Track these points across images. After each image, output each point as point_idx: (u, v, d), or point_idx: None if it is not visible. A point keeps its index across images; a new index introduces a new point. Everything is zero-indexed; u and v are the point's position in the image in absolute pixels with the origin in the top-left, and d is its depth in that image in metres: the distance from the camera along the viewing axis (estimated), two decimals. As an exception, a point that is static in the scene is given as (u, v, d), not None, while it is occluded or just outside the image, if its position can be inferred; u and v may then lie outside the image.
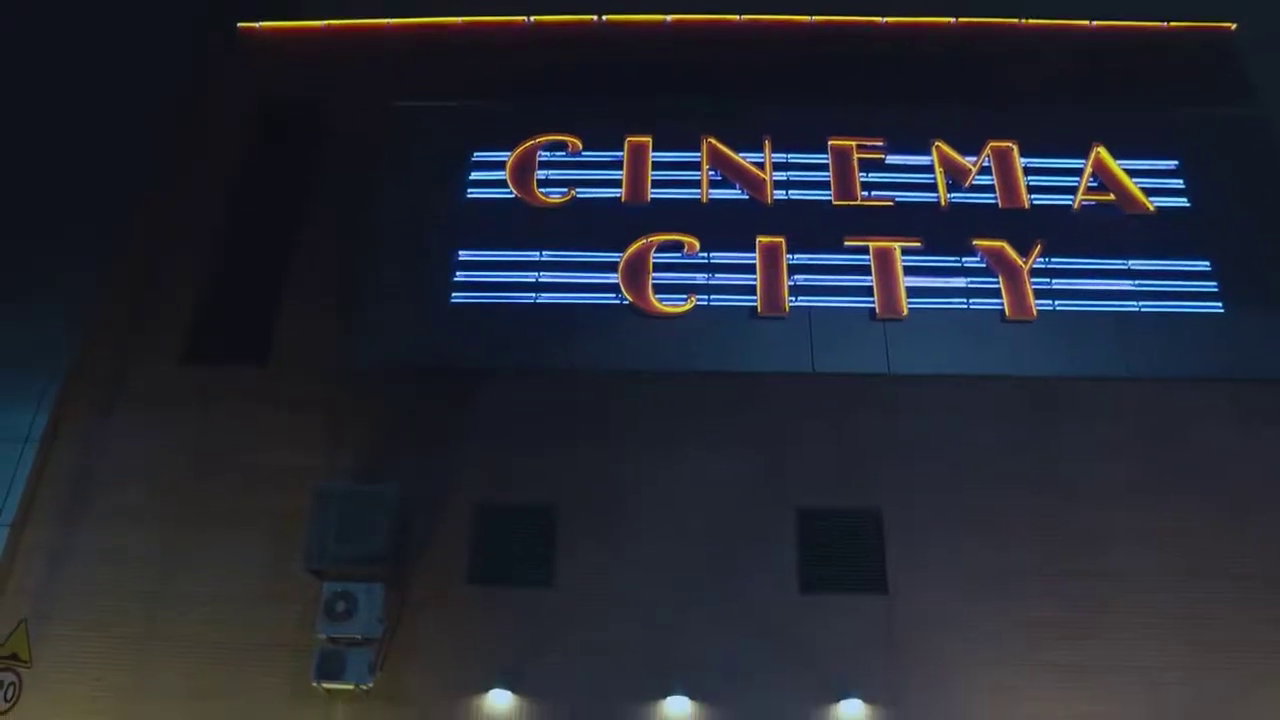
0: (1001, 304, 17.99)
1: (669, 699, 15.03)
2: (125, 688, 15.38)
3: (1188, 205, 19.22)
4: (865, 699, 15.01)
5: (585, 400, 17.14)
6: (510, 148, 19.57)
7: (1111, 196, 19.24)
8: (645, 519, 16.14)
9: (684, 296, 17.99)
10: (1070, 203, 19.18)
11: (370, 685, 14.98)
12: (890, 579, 15.78)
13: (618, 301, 18.01)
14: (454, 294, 18.19)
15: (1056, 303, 18.07)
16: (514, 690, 15.13)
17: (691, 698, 15.04)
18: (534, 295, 18.13)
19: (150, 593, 15.96)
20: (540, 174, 19.41)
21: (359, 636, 14.93)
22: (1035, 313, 17.87)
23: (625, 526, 16.11)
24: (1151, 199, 19.19)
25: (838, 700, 15.00)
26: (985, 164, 19.50)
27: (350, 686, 14.87)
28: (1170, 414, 17.00)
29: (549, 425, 16.93)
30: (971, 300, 18.09)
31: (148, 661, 15.49)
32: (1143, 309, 18.05)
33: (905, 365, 17.41)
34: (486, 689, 15.12)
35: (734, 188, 19.30)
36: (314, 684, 14.85)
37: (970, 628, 15.39)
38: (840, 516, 16.23)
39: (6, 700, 13.27)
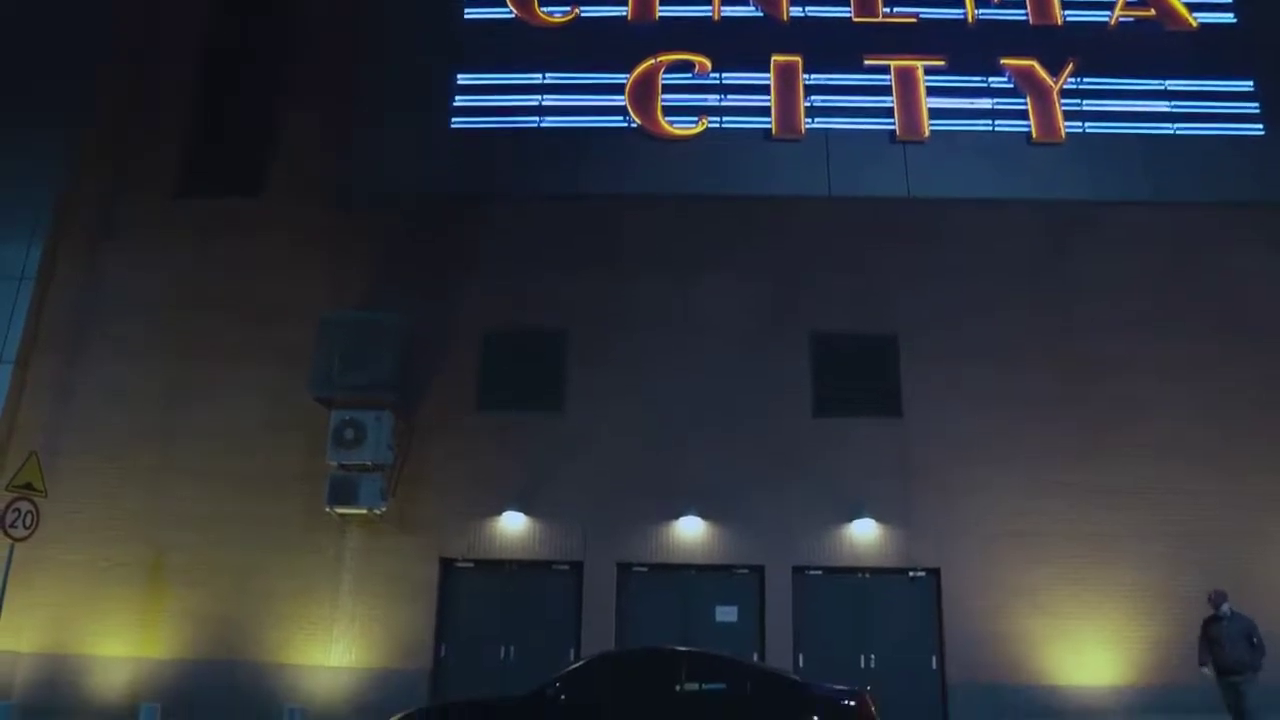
0: (1028, 126, 17.24)
1: (681, 519, 15.15)
2: (141, 515, 15.61)
3: (1233, 21, 18.16)
4: (877, 518, 15.13)
5: (594, 226, 16.67)
6: (509, -38, 18.52)
7: (1151, 12, 18.17)
8: (656, 344, 15.92)
9: (695, 119, 17.27)
10: (1107, 19, 18.14)
11: (383, 510, 15.12)
12: (904, 403, 15.67)
13: (625, 125, 17.29)
14: (454, 119, 17.49)
15: (1086, 125, 17.30)
16: (526, 513, 15.25)
17: (703, 518, 15.17)
18: (538, 119, 17.41)
19: (160, 425, 16.01)
20: (541, -11, 18.41)
21: (369, 463, 14.96)
22: (1063, 135, 17.13)
23: (636, 352, 15.89)
24: (1195, 14, 18.12)
25: (850, 520, 15.11)
26: (1016, -24, 18.39)
27: (363, 511, 15.01)
28: (1196, 241, 16.50)
29: (557, 251, 16.51)
30: (997, 122, 17.33)
31: (162, 490, 15.67)
32: (1177, 131, 17.27)
33: (925, 189, 16.80)
34: (499, 512, 15.25)
35: (747, 3, 18.27)
36: (327, 509, 15.00)
37: (983, 450, 15.36)
38: (855, 341, 15.97)
39: (26, 528, 13.42)
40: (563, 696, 9.59)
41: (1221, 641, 11.90)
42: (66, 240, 17.30)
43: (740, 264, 16.33)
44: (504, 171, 17.03)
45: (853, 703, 9.63)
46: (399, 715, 9.88)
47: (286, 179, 17.31)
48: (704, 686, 9.74)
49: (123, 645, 15.06)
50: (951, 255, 16.36)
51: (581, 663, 10.62)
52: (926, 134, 17.08)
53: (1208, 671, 11.99)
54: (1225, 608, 12.09)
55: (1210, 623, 12.12)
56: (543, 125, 17.39)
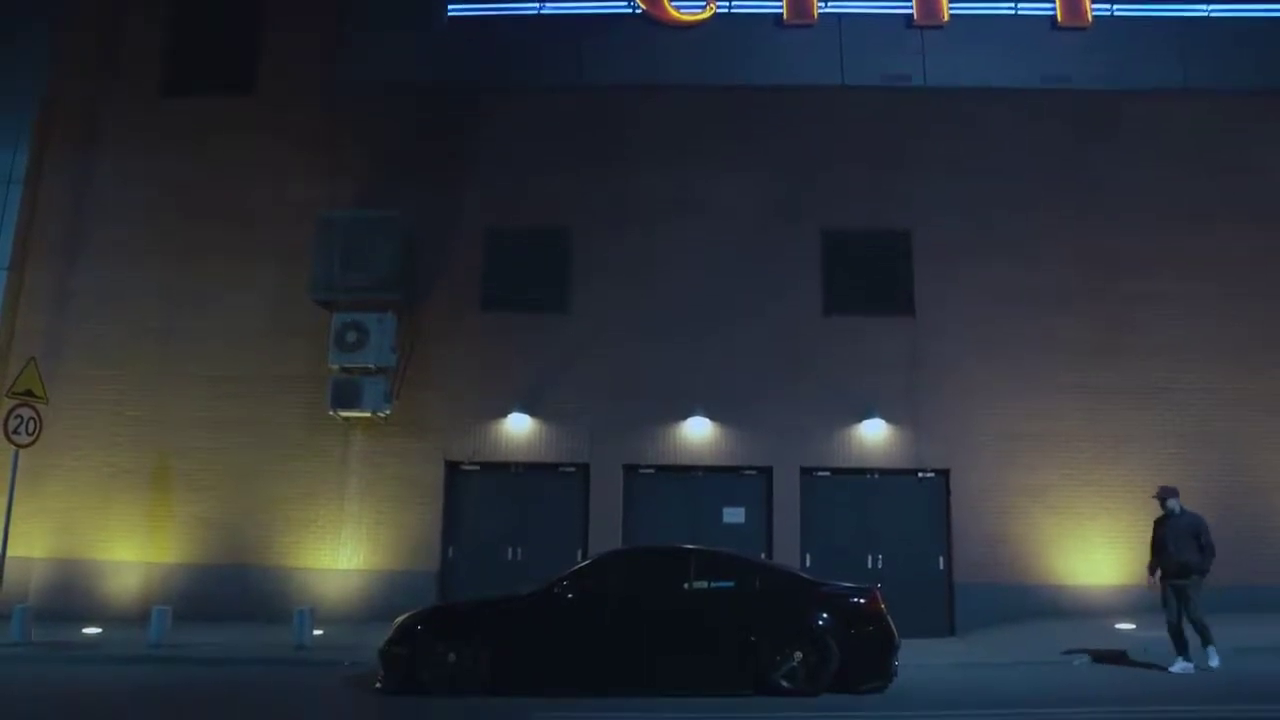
0: (1053, 9, 16.38)
1: (688, 420, 14.98)
2: (144, 419, 15.49)
3: (1272, -110, 17.12)
4: (887, 418, 14.92)
5: (598, 118, 16.08)
6: None
7: (1183, -117, 17.15)
8: (664, 240, 15.50)
9: (702, 3, 16.48)
10: (1136, -109, 17.11)
11: (387, 413, 14.97)
12: (917, 301, 15.32)
13: (630, 9, 16.52)
14: (450, 6, 16.71)
15: (1114, 8, 16.44)
16: (532, 414, 15.08)
17: (711, 419, 14.99)
18: (538, 5, 16.65)
19: (160, 330, 15.76)
20: None
21: (372, 366, 14.74)
22: (1090, 19, 16.29)
23: (643, 249, 15.50)
24: (1232, -116, 17.07)
25: (860, 420, 14.91)
26: None
27: (367, 415, 14.85)
28: (1227, 131, 15.83)
29: (561, 145, 15.96)
30: (1020, 4, 16.49)
31: (164, 395, 15.52)
32: (1212, 14, 16.40)
33: (943, 78, 16.10)
34: (505, 414, 15.09)
35: (757, -119, 17.28)
36: (330, 413, 14.83)
37: (997, 349, 15.05)
38: (867, 237, 15.54)
39: (29, 434, 13.30)
40: (570, 594, 9.49)
41: (1166, 542, 10.73)
42: (54, 143, 16.80)
43: (749, 158, 15.79)
44: (503, 62, 16.36)
45: (863, 600, 9.50)
46: (405, 615, 9.81)
47: (277, 76, 16.69)
48: (712, 584, 9.62)
49: (133, 550, 15.11)
50: (969, 148, 15.77)
51: (590, 560, 10.52)
52: (945, 18, 16.29)
53: (1156, 581, 10.77)
54: (1173, 504, 10.91)
55: (1159, 522, 11.02)
56: (543, 12, 16.65)
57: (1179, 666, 10.38)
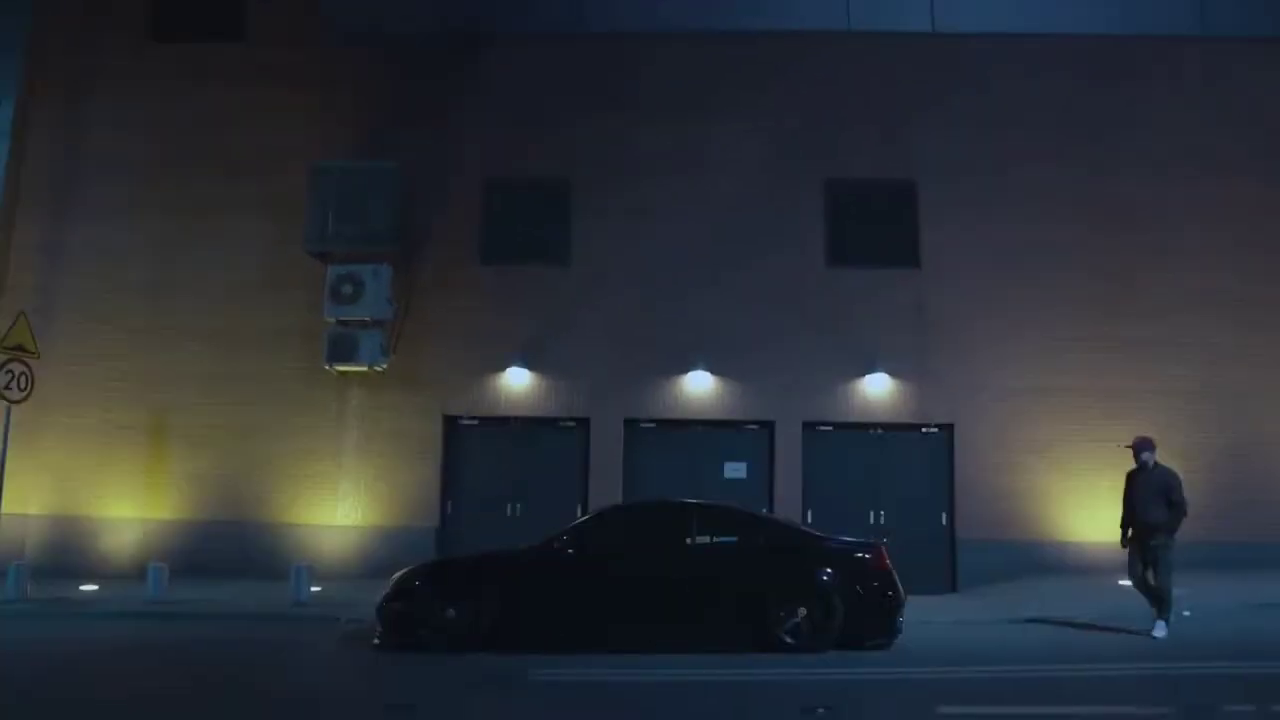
0: (1063, -48, 15.89)
1: (690, 374, 14.80)
2: (138, 374, 15.30)
3: None
4: (891, 373, 14.73)
5: (598, 66, 15.66)
6: None
7: None
8: (665, 191, 15.16)
9: (705, -52, 15.99)
10: None
11: (384, 367, 14.77)
12: (923, 252, 15.05)
13: (631, -45, 16.03)
14: (445, -52, 16.25)
15: (1127, -51, 15.96)
16: (531, 368, 14.89)
17: (713, 372, 14.80)
18: (536, -53, 16.19)
19: (152, 283, 15.49)
20: None
21: (368, 319, 14.51)
22: (1102, -38, 15.82)
23: (644, 199, 15.16)
24: None
25: (864, 374, 14.72)
26: None
27: (364, 369, 14.65)
28: (1242, 79, 15.43)
29: (560, 94, 15.57)
30: (1029, -51, 16.00)
31: (159, 351, 15.31)
32: (1227, -47, 15.93)
33: (951, 24, 15.64)
34: (503, 368, 14.89)
35: None
36: (326, 367, 14.62)
37: (1004, 302, 14.81)
38: (872, 187, 15.23)
39: (21, 390, 13.10)
40: (571, 549, 9.35)
41: (1134, 498, 10.10)
42: (40, 94, 16.38)
43: (753, 106, 15.42)
44: (504, 8, 15.88)
45: (868, 555, 9.37)
46: (403, 571, 9.67)
47: (270, 21, 16.22)
48: (715, 539, 9.48)
49: (130, 507, 14.99)
50: (977, 96, 15.39)
51: (591, 515, 10.37)
52: (954, -37, 15.82)
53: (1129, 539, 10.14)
54: (1146, 457, 10.13)
55: (1130, 476, 10.30)
56: (541, -47, 16.17)
57: (1161, 628, 9.79)
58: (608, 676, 8.12)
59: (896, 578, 9.27)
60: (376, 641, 9.32)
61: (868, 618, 9.08)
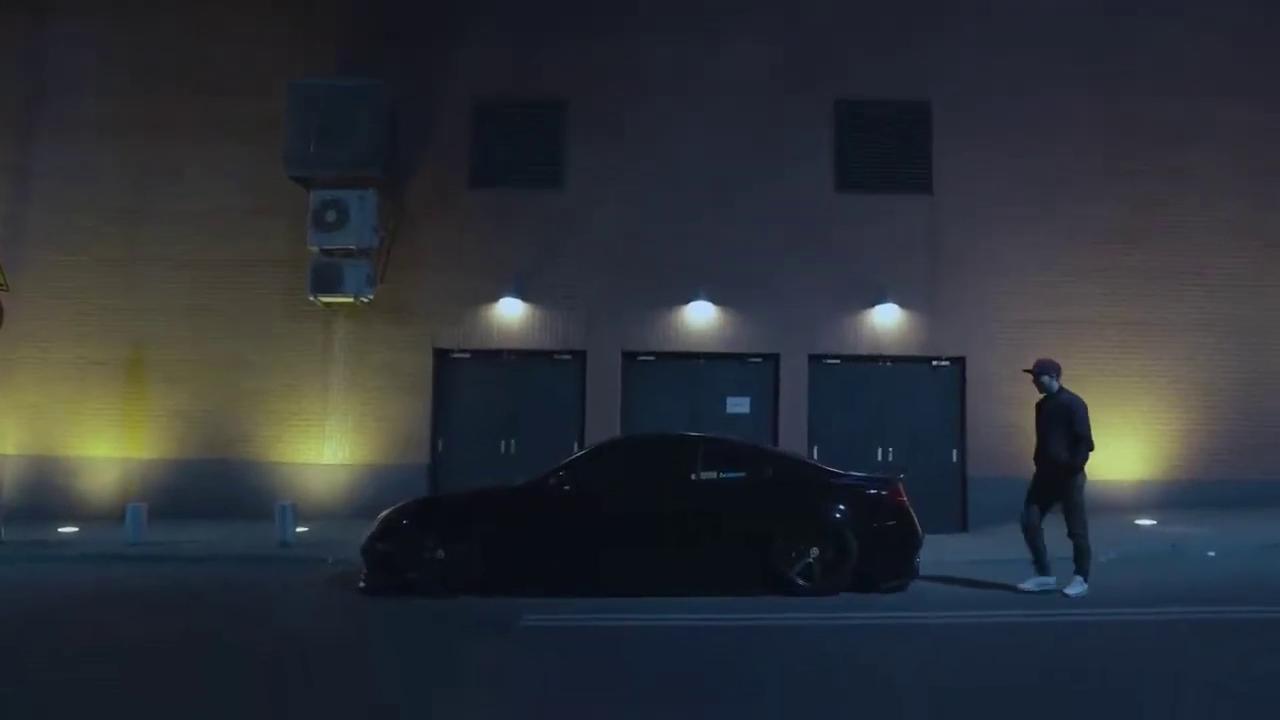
0: None
1: (691, 304, 14.21)
2: (115, 308, 14.67)
3: None
4: (901, 303, 14.17)
5: (595, -23, 14.78)
6: None
7: None
8: (666, 112, 14.37)
9: None
10: None
11: (371, 298, 14.14)
12: (935, 177, 14.36)
13: None
14: None
15: None
16: (525, 299, 14.28)
17: (715, 303, 14.21)
18: None
19: (127, 211, 14.76)
20: None
21: (354, 247, 13.83)
22: None
23: (644, 120, 14.38)
24: None
25: (872, 305, 14.16)
26: None
27: (350, 300, 14.02)
28: (1266, -1, 14.63)
29: (556, 7, 14.66)
30: None
31: (134, 282, 14.66)
32: None
33: (967, -67, 14.74)
34: (496, 298, 14.28)
35: None
36: (311, 298, 13.99)
37: (1019, 230, 14.19)
38: (884, 109, 14.49)
39: (-9, 325, 12.48)
40: (567, 486, 8.78)
41: (1036, 429, 8.92)
42: (3, 7, 15.38)
43: (759, 22, 14.56)
44: (493, -84, 14.96)
45: (884, 492, 8.83)
46: (390, 509, 9.13)
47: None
48: (722, 474, 8.91)
49: (109, 446, 14.47)
50: (994, 14, 14.57)
51: (589, 449, 9.81)
52: None
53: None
54: (1046, 381, 8.87)
55: (1037, 406, 9.07)
56: None
57: (1032, 583, 8.63)
58: (605, 622, 7.64)
59: (914, 515, 8.74)
60: (362, 585, 8.80)
61: (883, 558, 8.57)
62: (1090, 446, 8.59)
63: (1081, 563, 8.53)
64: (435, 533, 8.66)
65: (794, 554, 8.43)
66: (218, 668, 6.32)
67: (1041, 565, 8.73)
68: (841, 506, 8.63)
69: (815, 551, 8.43)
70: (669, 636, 7.15)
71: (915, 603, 8.21)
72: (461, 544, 8.54)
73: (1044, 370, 8.97)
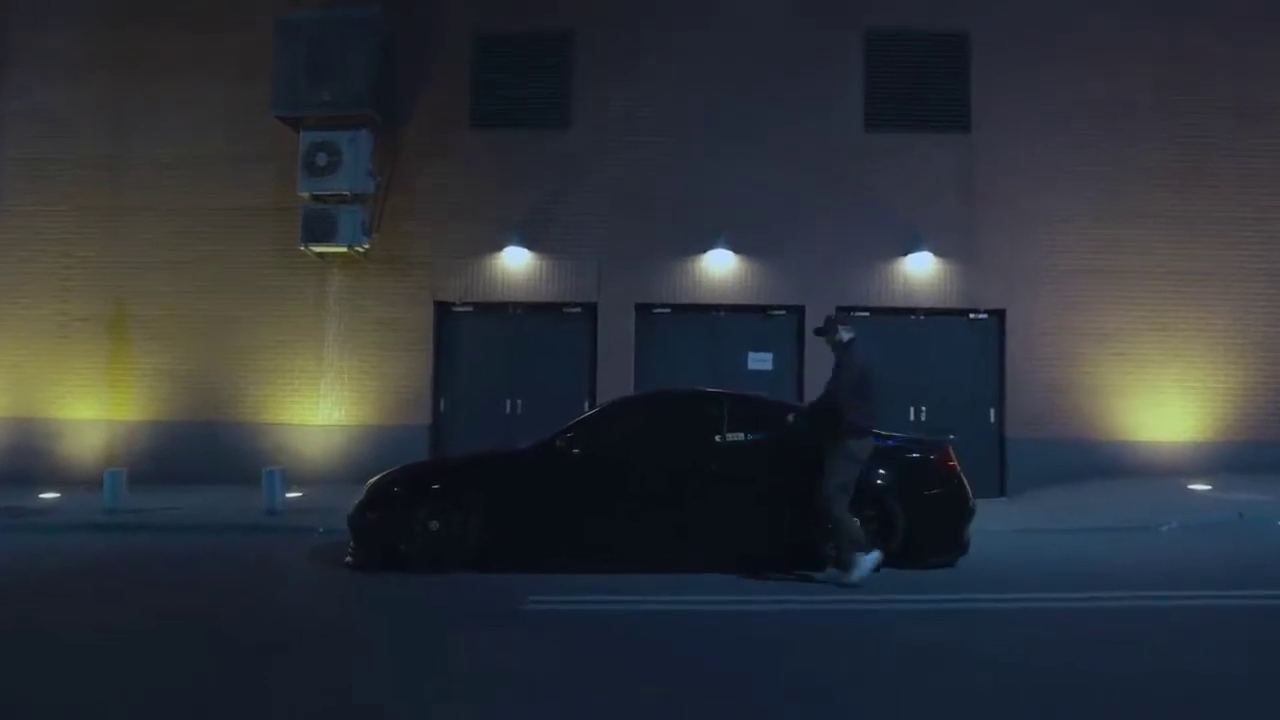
0: None
1: (709, 253, 13.28)
2: (97, 261, 13.87)
3: None
4: (936, 252, 13.20)
5: (604, -105, 13.70)
6: None
7: None
8: (681, 45, 13.38)
9: None
10: None
11: (367, 247, 13.28)
12: (974, 115, 13.32)
13: None
14: None
15: None
16: (531, 248, 13.38)
17: (735, 251, 13.28)
18: None
19: (107, 158, 13.92)
20: None
21: (347, 193, 12.95)
22: None
23: (658, 54, 13.39)
24: None
25: (905, 253, 13.20)
26: None
27: (344, 250, 13.15)
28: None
29: (563, -73, 13.66)
30: None
31: (117, 232, 13.85)
32: None
33: None
34: (500, 247, 13.38)
35: None
36: (303, 248, 13.13)
37: (1065, 172, 13.17)
38: (918, 40, 13.42)
39: (-34, 279, 11.74)
40: (576, 449, 7.86)
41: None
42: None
43: (781, -59, 13.49)
44: None
45: (932, 455, 7.90)
46: (379, 475, 8.26)
47: None
48: (749, 435, 7.95)
49: (92, 407, 13.76)
50: (1039, -65, 13.42)
51: (600, 408, 8.89)
52: None
53: None
54: (843, 334, 7.60)
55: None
56: None
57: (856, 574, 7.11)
58: (619, 605, 6.72)
59: (966, 482, 7.80)
60: (349, 559, 7.93)
61: (931, 529, 7.63)
62: (834, 405, 7.25)
63: (839, 542, 7.22)
64: (429, 501, 7.75)
65: (832, 525, 7.49)
66: (168, 658, 5.44)
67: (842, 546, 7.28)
68: (885, 471, 7.68)
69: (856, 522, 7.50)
70: (686, 624, 6.27)
71: (966, 581, 7.27)
72: (458, 514, 7.64)
73: (830, 329, 7.70)
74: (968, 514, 7.74)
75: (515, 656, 5.51)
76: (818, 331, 7.89)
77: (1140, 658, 5.29)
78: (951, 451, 7.90)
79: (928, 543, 7.60)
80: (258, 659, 5.44)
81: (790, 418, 7.82)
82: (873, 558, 7.14)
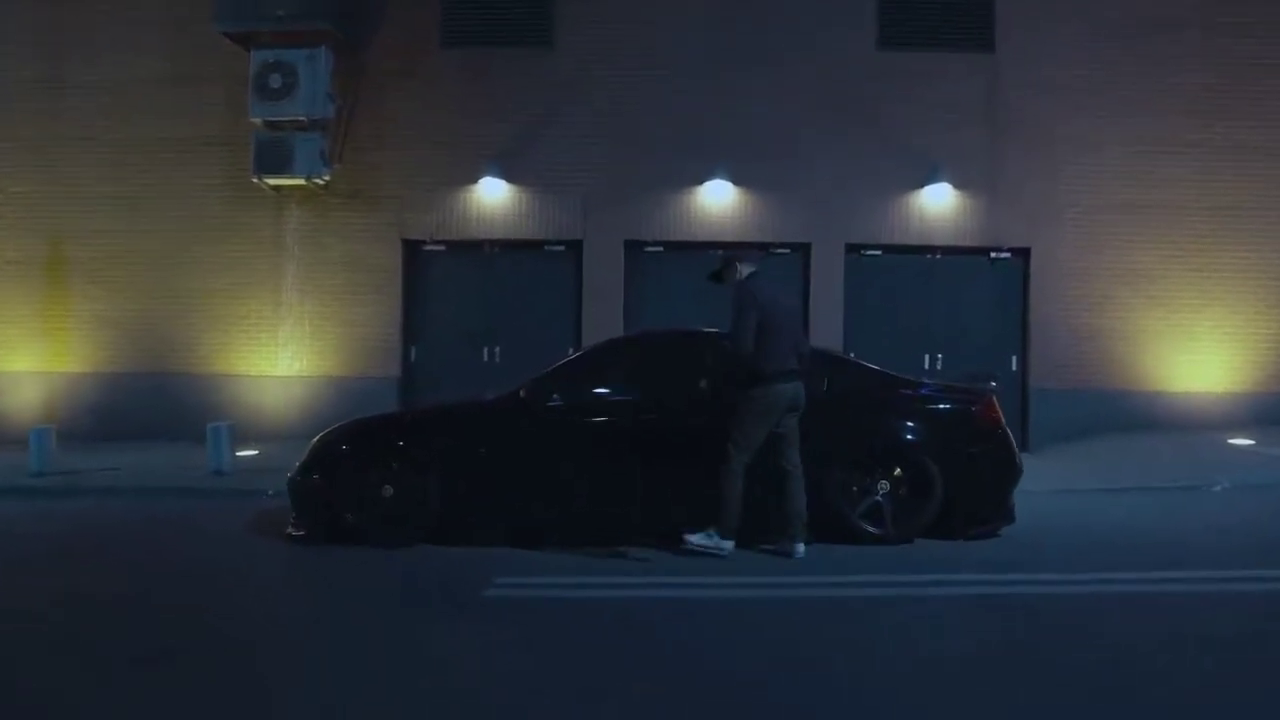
0: None
1: (706, 185, 12.23)
2: (30, 197, 12.80)
3: None
4: (955, 184, 12.17)
5: None
6: None
7: None
8: (676, -49, 12.25)
9: None
10: None
11: (327, 179, 12.18)
12: (998, 33, 12.23)
13: None
14: None
15: None
16: (509, 179, 12.31)
17: (734, 183, 12.22)
18: None
19: (40, 83, 12.76)
20: None
21: (304, 118, 11.80)
22: None
23: (649, -37, 12.27)
24: None
25: (921, 185, 12.17)
26: None
27: (302, 182, 12.05)
28: None
29: None
30: None
31: (52, 165, 12.76)
32: None
33: None
34: (475, 179, 12.32)
35: None
36: (256, 180, 12.04)
37: (1096, 97, 12.09)
38: (937, -57, 12.34)
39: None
40: (553, 400, 6.71)
41: None
42: None
43: None
44: None
45: (974, 407, 6.75)
46: (325, 431, 7.11)
47: None
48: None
49: (28, 359, 12.76)
50: None
51: (581, 352, 7.75)
52: None
53: None
54: (741, 271, 6.64)
55: None
56: None
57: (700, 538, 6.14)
58: (600, 591, 5.66)
59: (1012, 438, 6.70)
60: (291, 530, 6.81)
61: (974, 494, 6.53)
62: (736, 347, 6.25)
63: (719, 517, 6.10)
64: (382, 463, 6.62)
65: (856, 489, 6.39)
66: (62, 661, 4.33)
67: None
68: (917, 425, 6.57)
69: (885, 486, 6.38)
70: (694, 612, 5.20)
71: (1011, 556, 6.18)
72: (415, 478, 6.52)
73: (730, 265, 6.71)
74: (1015, 475, 6.64)
75: (475, 659, 4.41)
76: (713, 276, 6.75)
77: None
78: (995, 402, 6.77)
79: (969, 509, 6.50)
80: (130, 674, 4.25)
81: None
82: (728, 545, 6.02)
